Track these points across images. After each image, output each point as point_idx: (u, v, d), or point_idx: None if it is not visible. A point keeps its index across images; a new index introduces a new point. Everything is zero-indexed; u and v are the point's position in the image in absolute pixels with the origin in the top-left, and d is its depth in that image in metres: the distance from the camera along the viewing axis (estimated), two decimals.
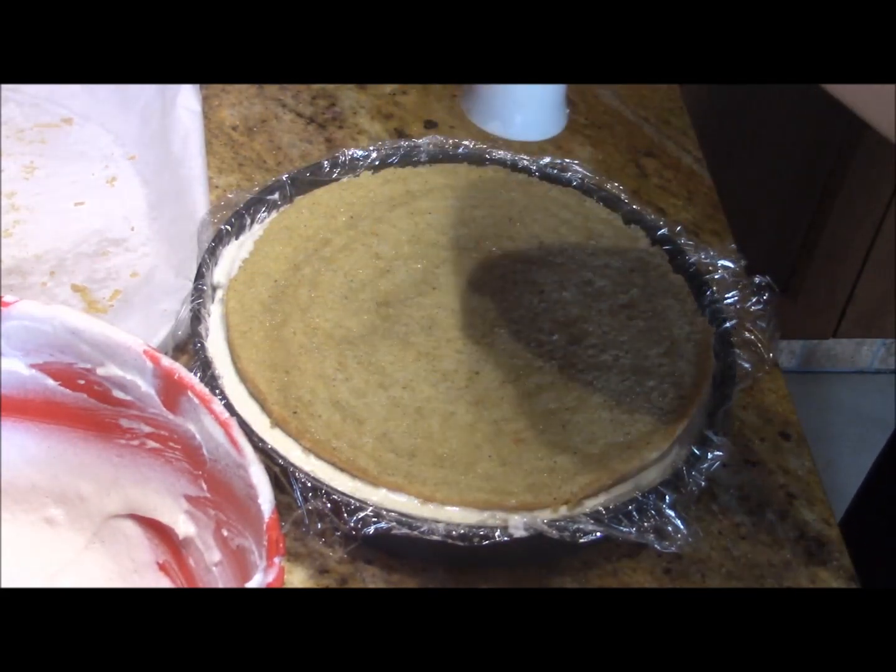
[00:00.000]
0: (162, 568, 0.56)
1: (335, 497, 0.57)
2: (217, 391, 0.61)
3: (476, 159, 0.77)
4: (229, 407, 0.60)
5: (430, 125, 0.86)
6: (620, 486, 0.61)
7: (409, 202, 0.74)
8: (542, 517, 0.58)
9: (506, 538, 0.57)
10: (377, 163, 0.76)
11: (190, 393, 0.51)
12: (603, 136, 0.87)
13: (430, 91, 0.89)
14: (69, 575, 0.56)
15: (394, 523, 0.57)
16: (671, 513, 0.58)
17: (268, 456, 0.58)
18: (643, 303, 0.69)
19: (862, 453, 0.97)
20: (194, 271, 0.68)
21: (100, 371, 0.53)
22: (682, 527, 0.58)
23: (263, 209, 0.73)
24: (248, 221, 0.72)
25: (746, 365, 0.67)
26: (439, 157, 0.77)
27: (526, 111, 0.75)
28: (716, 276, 0.71)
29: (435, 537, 0.56)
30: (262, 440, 0.59)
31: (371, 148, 0.77)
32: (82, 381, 0.54)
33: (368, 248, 0.71)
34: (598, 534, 0.57)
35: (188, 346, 0.67)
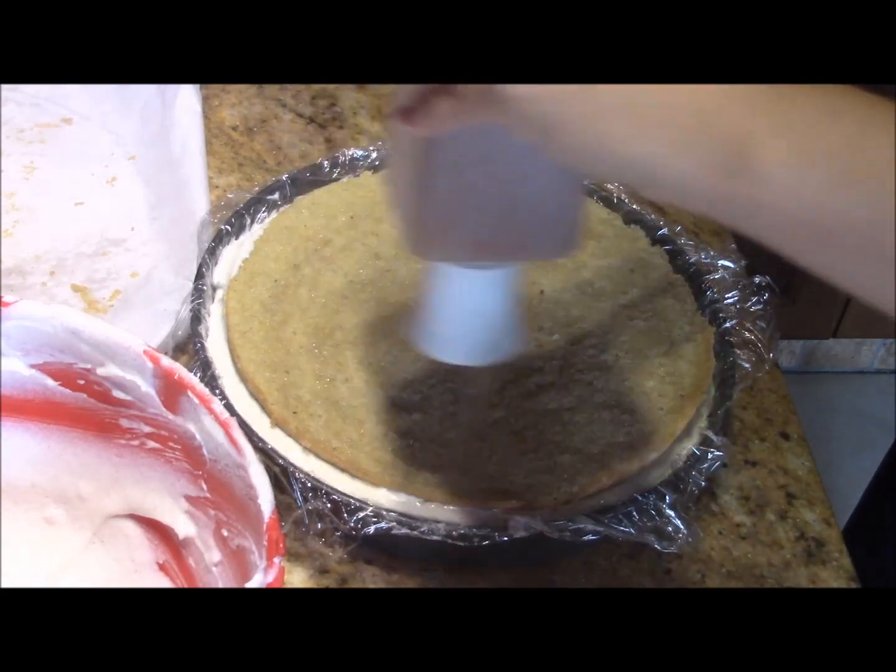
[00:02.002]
0: (162, 568, 0.56)
1: (335, 497, 0.57)
2: (217, 391, 0.61)
3: None
4: (229, 407, 0.60)
5: None
6: (620, 486, 0.61)
7: None
8: (542, 517, 0.58)
9: (506, 538, 0.57)
10: (377, 163, 0.76)
11: (190, 393, 0.51)
12: None
13: None
14: (69, 575, 0.56)
15: (394, 523, 0.57)
16: (671, 513, 0.58)
17: (268, 456, 0.58)
18: (643, 303, 0.69)
19: (862, 453, 0.97)
20: (194, 271, 0.68)
21: (100, 371, 0.53)
22: (682, 527, 0.58)
23: (263, 209, 0.73)
24: (248, 221, 0.72)
25: (746, 365, 0.67)
26: None
27: (472, 336, 0.55)
28: (716, 276, 0.71)
29: (435, 537, 0.56)
30: (262, 440, 0.59)
31: (371, 148, 0.77)
32: (82, 381, 0.54)
33: (368, 248, 0.71)
34: (598, 534, 0.57)
35: (188, 346, 0.67)
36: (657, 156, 0.40)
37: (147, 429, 0.54)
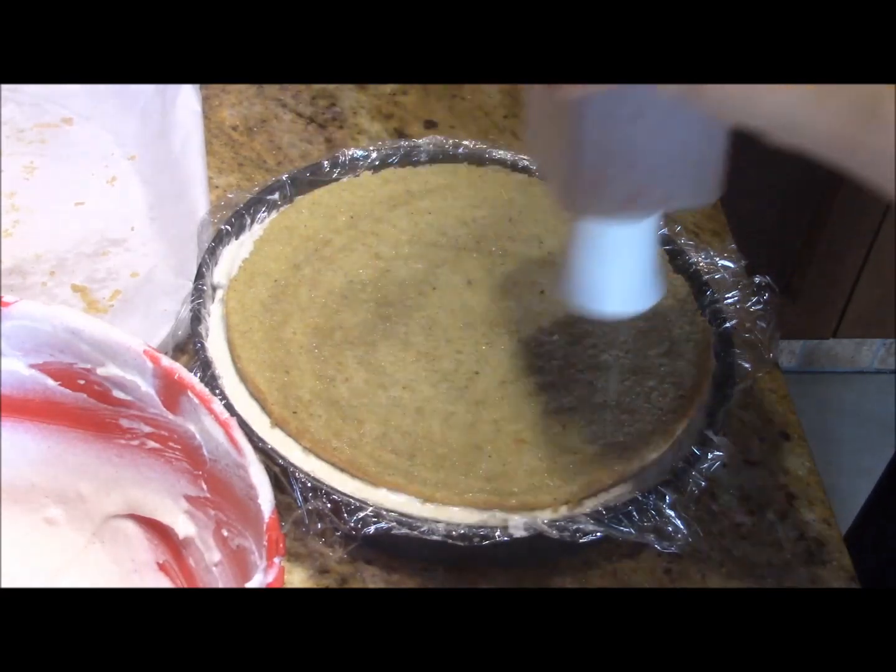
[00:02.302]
0: (162, 568, 0.56)
1: (335, 497, 0.57)
2: (217, 391, 0.61)
3: (476, 159, 0.77)
4: (229, 407, 0.60)
5: (430, 125, 0.86)
6: (620, 486, 0.61)
7: (409, 202, 0.74)
8: (542, 517, 0.58)
9: (506, 538, 0.57)
10: (377, 163, 0.76)
11: (190, 393, 0.51)
12: None
13: (430, 91, 0.89)
14: (69, 575, 0.56)
15: (394, 523, 0.57)
16: (671, 513, 0.58)
17: (268, 456, 0.58)
18: None
19: (862, 453, 0.97)
20: (194, 271, 0.68)
21: (100, 371, 0.53)
22: (682, 527, 0.58)
23: (263, 209, 0.73)
24: (248, 221, 0.72)
25: (746, 365, 0.67)
26: (439, 157, 0.77)
27: (621, 283, 0.58)
28: (716, 276, 0.71)
29: (435, 537, 0.56)
30: (262, 440, 0.59)
31: (371, 148, 0.77)
32: (82, 381, 0.54)
33: (368, 248, 0.71)
34: (598, 534, 0.57)
35: (188, 346, 0.67)
36: (799, 104, 0.44)
37: (147, 429, 0.54)
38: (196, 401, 0.51)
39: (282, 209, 0.73)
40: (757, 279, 0.70)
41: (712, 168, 0.53)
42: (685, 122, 0.51)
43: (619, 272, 0.56)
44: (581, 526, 0.57)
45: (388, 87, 0.89)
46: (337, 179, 0.75)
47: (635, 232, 0.55)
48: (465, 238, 0.72)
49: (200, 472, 0.53)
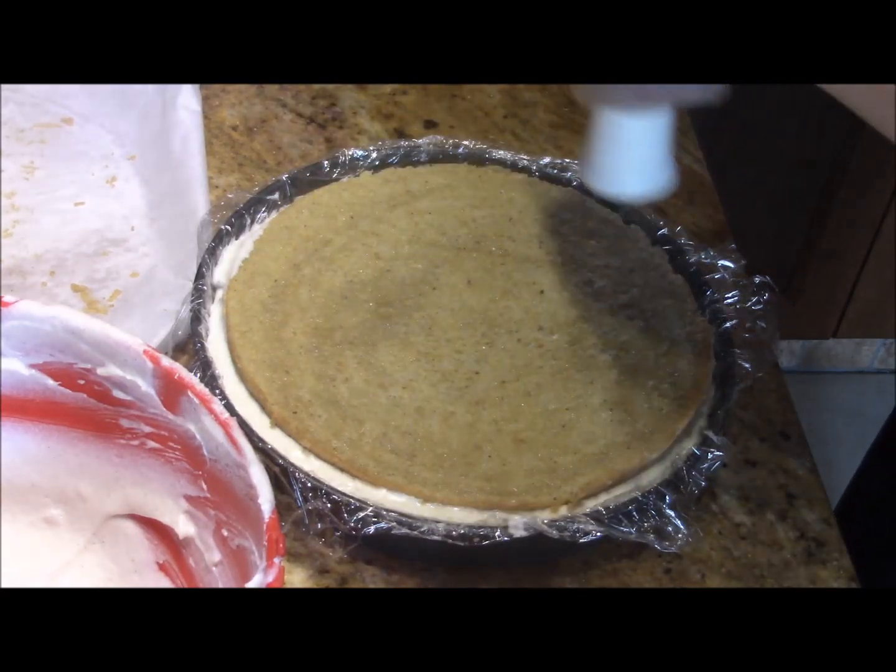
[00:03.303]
0: (162, 568, 0.56)
1: (335, 497, 0.57)
2: (217, 391, 0.61)
3: (476, 159, 0.77)
4: (229, 407, 0.60)
5: (430, 125, 0.87)
6: (620, 486, 0.61)
7: (409, 202, 0.74)
8: (542, 517, 0.58)
9: (506, 538, 0.57)
10: (377, 163, 0.76)
11: (190, 393, 0.51)
12: None
13: (430, 91, 0.89)
14: (69, 575, 0.56)
15: (394, 523, 0.57)
16: (671, 513, 0.58)
17: (268, 456, 0.58)
18: (643, 303, 0.69)
19: (862, 453, 0.97)
20: (194, 271, 0.68)
21: (100, 371, 0.53)
22: (682, 527, 0.58)
23: (263, 209, 0.73)
24: (248, 221, 0.72)
25: (746, 365, 0.67)
26: (439, 157, 0.77)
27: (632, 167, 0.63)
28: (716, 276, 0.71)
29: (435, 537, 0.56)
30: (262, 440, 0.59)
31: (371, 148, 0.77)
32: (82, 381, 0.54)
33: (368, 248, 0.71)
34: (598, 534, 0.57)
35: (188, 346, 0.67)
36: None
37: (147, 429, 0.54)
38: (196, 401, 0.51)
39: (282, 209, 0.73)
40: (757, 279, 0.70)
41: None
42: None
43: (634, 159, 0.61)
44: (581, 526, 0.57)
45: (388, 87, 0.89)
46: (337, 179, 0.75)
47: (649, 124, 0.60)
48: (465, 238, 0.72)
49: (200, 472, 0.53)
